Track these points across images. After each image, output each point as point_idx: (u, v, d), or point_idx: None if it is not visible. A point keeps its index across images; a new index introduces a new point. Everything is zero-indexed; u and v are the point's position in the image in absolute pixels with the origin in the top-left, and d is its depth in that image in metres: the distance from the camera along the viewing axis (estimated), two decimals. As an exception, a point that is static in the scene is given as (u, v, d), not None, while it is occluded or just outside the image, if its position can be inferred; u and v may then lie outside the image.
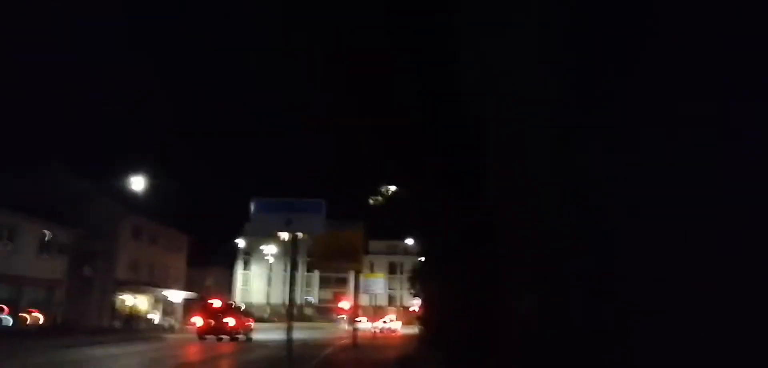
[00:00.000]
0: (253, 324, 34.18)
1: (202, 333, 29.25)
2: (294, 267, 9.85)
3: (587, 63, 2.48)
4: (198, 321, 30.85)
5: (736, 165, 1.97)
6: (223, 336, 29.05)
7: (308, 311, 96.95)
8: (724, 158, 1.97)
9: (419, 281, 29.09)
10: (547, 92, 2.80)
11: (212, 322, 29.43)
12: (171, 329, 51.29)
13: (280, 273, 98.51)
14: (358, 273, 27.32)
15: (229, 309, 32.40)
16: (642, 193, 2.24)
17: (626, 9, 2.35)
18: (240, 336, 30.23)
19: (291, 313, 9.70)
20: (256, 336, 32.44)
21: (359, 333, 25.63)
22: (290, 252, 10.00)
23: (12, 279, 34.08)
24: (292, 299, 9.79)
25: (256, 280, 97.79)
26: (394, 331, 54.17)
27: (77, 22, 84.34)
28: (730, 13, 2.04)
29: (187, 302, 59.54)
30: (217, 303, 31.98)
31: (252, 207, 9.61)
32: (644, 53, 2.24)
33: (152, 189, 38.30)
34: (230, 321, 29.75)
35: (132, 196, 37.75)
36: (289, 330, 9.59)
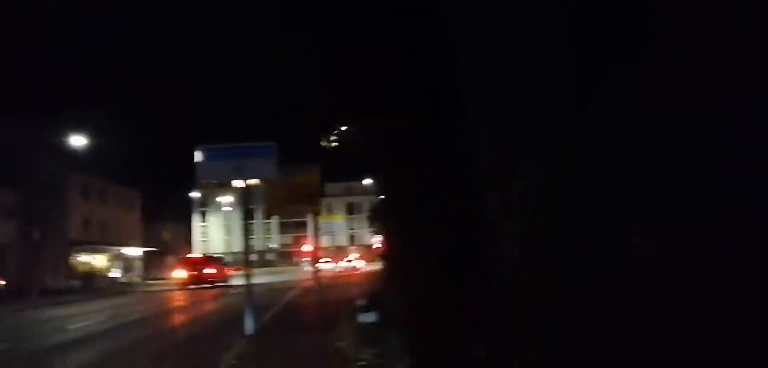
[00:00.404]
0: (231, 272, 36.94)
1: (187, 284, 32.63)
2: (248, 216, 9.71)
3: (586, 60, 2.48)
4: (182, 272, 34.46)
5: (736, 164, 2.00)
6: (205, 284, 32.53)
7: (270, 257, 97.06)
8: (724, 158, 2.00)
9: (379, 219, 29.35)
10: (546, 87, 2.78)
11: (195, 273, 33.26)
12: (131, 284, 50.71)
13: (239, 222, 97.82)
14: (316, 215, 27.37)
15: (209, 260, 36.69)
16: (640, 192, 2.25)
17: (626, 8, 2.34)
18: (219, 283, 33.32)
19: (247, 260, 9.63)
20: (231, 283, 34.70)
21: (323, 274, 25.89)
22: (243, 200, 9.86)
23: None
24: (247, 246, 9.68)
25: (214, 230, 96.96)
26: (357, 269, 54.99)
27: (77, 22, 79.93)
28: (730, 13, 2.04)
29: (147, 255, 58.78)
30: (197, 255, 38.00)
31: (198, 156, 9.33)
32: (644, 51, 2.23)
33: (98, 145, 37.23)
34: (211, 271, 33.90)
35: (77, 154, 36.60)
36: (247, 277, 9.54)
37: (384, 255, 31.06)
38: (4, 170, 36.17)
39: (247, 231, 9.71)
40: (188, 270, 34.15)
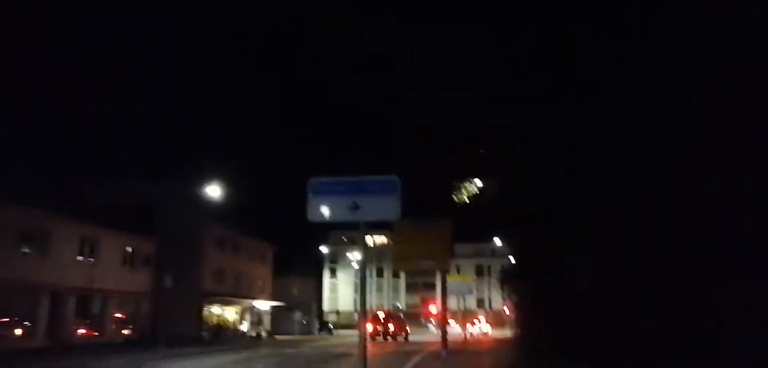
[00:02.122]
0: (408, 329, 45.62)
1: (372, 336, 41.03)
2: (363, 268, 7.62)
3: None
4: (368, 326, 40.95)
5: None
6: (387, 337, 41.50)
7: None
8: None
9: (511, 283, 26.46)
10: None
11: (378, 327, 42.45)
12: (259, 337, 50.86)
13: (368, 280, 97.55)
14: (444, 274, 24.85)
15: (390, 316, 46.80)
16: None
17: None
18: (399, 337, 41.99)
19: (364, 317, 7.46)
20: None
21: (449, 338, 23.22)
22: (361, 245, 7.72)
23: (97, 293, 34.04)
24: (364, 303, 7.50)
25: (343, 287, 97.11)
26: (485, 334, 51.86)
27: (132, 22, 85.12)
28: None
29: (275, 311, 59.07)
30: (381, 313, 48.15)
31: (309, 191, 7.44)
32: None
33: (230, 197, 37.65)
34: (391, 326, 42.84)
35: (211, 205, 37.24)
36: (362, 338, 7.38)
37: (517, 322, 27.69)
38: (143, 221, 37.55)
39: (364, 286, 7.50)
40: (374, 324, 42.93)
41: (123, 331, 36.86)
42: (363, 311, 7.59)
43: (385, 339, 41.51)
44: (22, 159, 33.67)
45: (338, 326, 75.93)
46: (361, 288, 7.75)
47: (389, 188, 7.35)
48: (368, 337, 37.94)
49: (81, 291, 32.68)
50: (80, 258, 33.11)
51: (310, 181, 7.48)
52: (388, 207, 7.30)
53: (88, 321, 33.86)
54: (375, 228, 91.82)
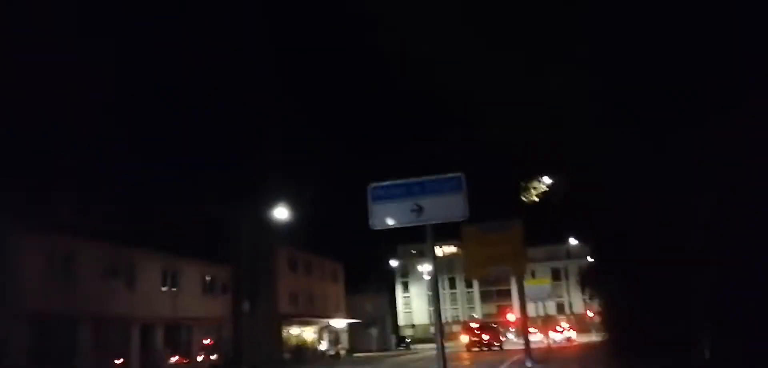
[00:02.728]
0: (502, 339, 48.25)
1: (469, 347, 43.95)
2: (435, 277, 7.33)
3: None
4: (465, 338, 47.41)
5: None
6: (483, 347, 43.13)
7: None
8: None
9: (593, 284, 25.33)
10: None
11: (475, 339, 44.68)
12: (338, 355, 51.18)
13: (441, 291, 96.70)
14: (520, 278, 24.05)
15: (484, 326, 49.10)
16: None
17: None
18: (495, 346, 43.24)
19: (440, 329, 7.15)
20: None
21: (532, 346, 22.28)
22: (430, 252, 7.43)
23: (180, 322, 35.14)
24: (437, 311, 7.22)
25: (417, 301, 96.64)
26: (570, 340, 50.13)
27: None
28: None
29: (351, 328, 59.29)
30: (475, 325, 51.17)
31: (369, 198, 7.22)
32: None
33: (298, 217, 38.14)
34: (485, 336, 44.61)
35: (281, 227, 37.81)
36: (440, 348, 7.09)
37: (604, 324, 26.37)
38: (216, 248, 38.58)
39: (437, 293, 7.21)
40: (469, 335, 45.96)
41: (211, 357, 37.86)
42: (438, 321, 7.30)
43: (481, 348, 43.04)
44: (96, 187, 34.75)
45: (415, 340, 75.47)
46: (434, 298, 7.48)
47: (454, 186, 7.05)
48: (465, 348, 44.41)
49: (167, 321, 33.85)
50: (164, 288, 34.34)
51: (369, 187, 7.28)
52: (454, 206, 7.01)
53: (176, 350, 34.95)
54: (442, 237, 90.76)
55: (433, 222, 7.06)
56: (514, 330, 52.75)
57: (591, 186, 15.01)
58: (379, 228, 7.25)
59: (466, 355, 38.16)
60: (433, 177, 7.14)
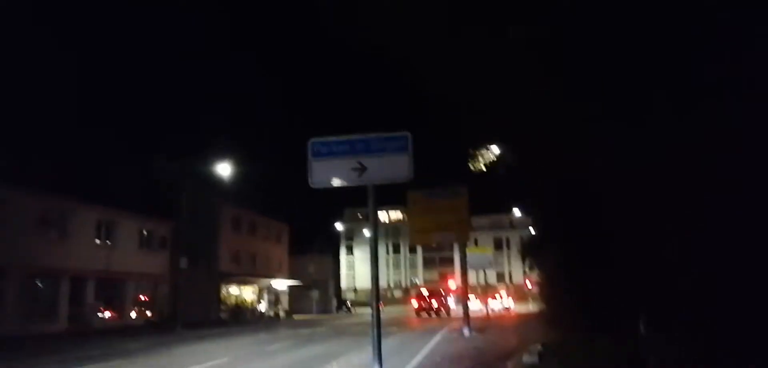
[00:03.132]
0: (452, 306, 47.22)
1: (418, 312, 44.39)
2: (375, 242, 6.97)
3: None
4: (415, 303, 47.17)
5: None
6: (431, 313, 43.47)
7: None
8: None
9: (534, 255, 25.64)
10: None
11: (423, 303, 44.93)
12: (277, 317, 50.87)
13: (383, 257, 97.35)
14: (463, 246, 24.12)
15: (433, 293, 47.45)
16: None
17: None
18: (442, 313, 43.49)
19: (377, 296, 6.82)
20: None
21: (471, 314, 22.32)
22: (371, 214, 7.03)
23: (114, 276, 33.93)
24: (375, 278, 6.87)
25: (360, 265, 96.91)
26: (508, 310, 50.83)
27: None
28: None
29: (292, 290, 58.93)
30: (424, 290, 50.16)
31: (309, 154, 6.77)
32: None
33: (244, 176, 37.27)
34: (434, 303, 44.56)
35: (226, 185, 36.89)
36: (375, 317, 6.76)
37: (541, 295, 26.84)
38: (157, 203, 37.30)
39: (376, 261, 6.83)
40: (419, 301, 46.05)
41: (146, 313, 36.83)
42: (375, 287, 6.97)
43: (429, 315, 42.99)
44: (36, 142, 33.17)
45: (356, 304, 75.79)
46: (373, 262, 7.11)
47: (399, 146, 6.69)
48: (414, 313, 44.77)
49: (100, 274, 32.59)
50: (98, 241, 32.99)
51: (310, 142, 6.83)
52: (399, 167, 6.65)
53: (109, 305, 33.80)
54: (388, 202, 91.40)
55: (376, 182, 6.70)
56: (454, 297, 53.10)
57: (538, 159, 14.92)
58: (318, 187, 6.84)
59: (413, 320, 38.53)
60: (378, 134, 6.75)
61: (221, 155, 33.11)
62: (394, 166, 6.66)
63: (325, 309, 64.05)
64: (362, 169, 6.63)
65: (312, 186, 6.80)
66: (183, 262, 33.44)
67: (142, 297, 37.20)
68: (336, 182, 6.84)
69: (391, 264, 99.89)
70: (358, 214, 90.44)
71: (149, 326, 33.75)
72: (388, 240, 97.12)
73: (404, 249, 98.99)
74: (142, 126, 73.81)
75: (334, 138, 6.85)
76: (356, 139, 6.75)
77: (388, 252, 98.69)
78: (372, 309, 6.93)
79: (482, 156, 23.16)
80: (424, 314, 43.53)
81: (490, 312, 38.38)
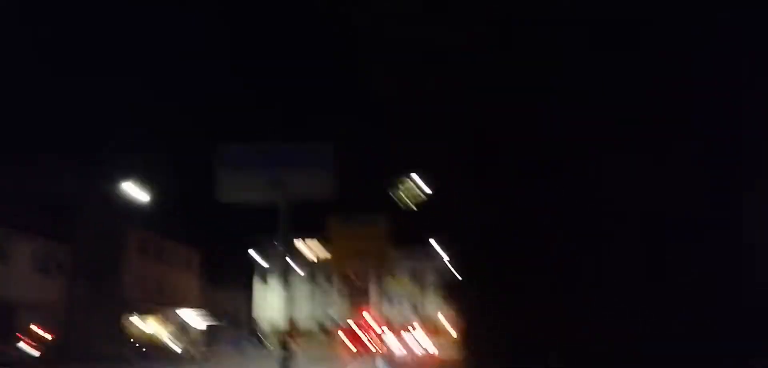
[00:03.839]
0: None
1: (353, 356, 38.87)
2: (285, 269, 6.29)
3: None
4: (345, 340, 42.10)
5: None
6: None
7: (330, 326, 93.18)
8: None
9: (453, 293, 25.45)
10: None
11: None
12: (193, 359, 46.34)
13: (304, 289, 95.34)
14: (382, 277, 23.63)
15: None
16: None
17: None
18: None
19: (288, 330, 6.11)
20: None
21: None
22: (281, 235, 6.28)
23: (4, 304, 30.90)
24: (289, 313, 6.14)
25: (277, 298, 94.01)
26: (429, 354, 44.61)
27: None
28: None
29: (210, 329, 55.47)
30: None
31: (217, 164, 6.00)
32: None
33: (154, 197, 35.31)
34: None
35: (133, 205, 34.77)
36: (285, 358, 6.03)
37: (460, 330, 26.68)
38: (55, 221, 34.58)
39: (289, 290, 6.14)
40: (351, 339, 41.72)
41: (36, 344, 33.63)
42: (287, 322, 6.26)
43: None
44: None
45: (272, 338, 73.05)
46: (284, 293, 6.37)
47: (320, 160, 6.05)
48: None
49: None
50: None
51: (218, 151, 6.06)
52: (319, 183, 6.01)
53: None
54: (306, 231, 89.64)
55: (294, 198, 6.03)
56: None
57: (464, 193, 14.81)
58: (227, 201, 6.09)
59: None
60: (298, 145, 6.10)
61: (128, 173, 31.21)
62: (314, 182, 6.02)
63: (240, 343, 60.76)
64: (279, 182, 5.93)
65: (220, 200, 6.03)
66: (80, 288, 31.02)
67: (35, 328, 33.96)
68: (248, 197, 6.12)
69: (308, 298, 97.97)
70: (275, 243, 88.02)
71: (38, 360, 30.83)
72: (312, 272, 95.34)
73: (320, 282, 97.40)
74: (41, 139, 68.75)
75: (247, 145, 6.12)
76: (272, 149, 6.05)
77: (305, 284, 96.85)
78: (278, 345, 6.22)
79: (410, 191, 22.89)
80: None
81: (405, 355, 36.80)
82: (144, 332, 45.38)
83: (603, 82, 7.00)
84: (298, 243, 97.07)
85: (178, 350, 47.81)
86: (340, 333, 47.67)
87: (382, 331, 23.16)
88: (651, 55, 6.46)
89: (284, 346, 6.18)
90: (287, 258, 6.55)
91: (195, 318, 53.83)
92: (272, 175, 5.94)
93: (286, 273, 6.43)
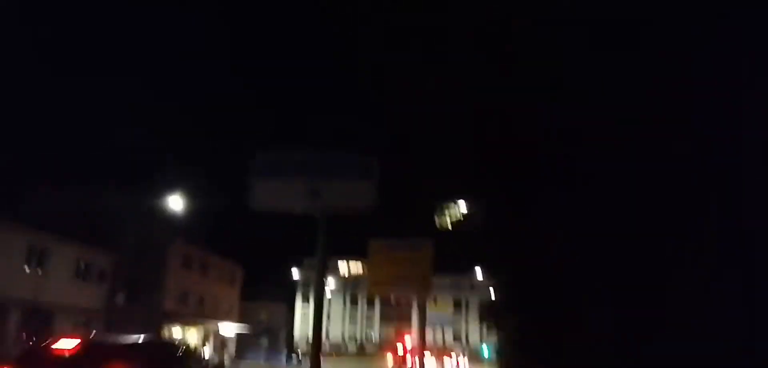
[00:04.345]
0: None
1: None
2: (321, 275, 5.63)
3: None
4: (389, 358, 46.00)
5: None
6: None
7: (369, 348, 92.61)
8: None
9: (495, 317, 24.77)
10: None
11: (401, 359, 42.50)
12: (221, 365, 47.44)
13: (339, 309, 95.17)
14: (424, 303, 22.69)
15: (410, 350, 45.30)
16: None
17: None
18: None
19: (318, 344, 5.45)
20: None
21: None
22: (320, 247, 5.58)
23: (42, 308, 31.19)
24: (318, 327, 5.46)
25: (312, 315, 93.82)
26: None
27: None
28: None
29: (241, 336, 56.02)
30: (401, 344, 46.74)
31: (253, 172, 5.40)
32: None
33: (199, 213, 35.33)
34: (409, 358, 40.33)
35: (178, 220, 34.85)
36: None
37: (499, 358, 25.79)
38: (100, 232, 34.92)
39: (320, 306, 5.43)
40: (393, 354, 45.04)
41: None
42: (317, 336, 5.59)
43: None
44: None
45: (308, 354, 72.70)
46: (316, 308, 5.67)
47: (363, 171, 5.35)
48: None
49: (27, 304, 29.87)
50: (27, 268, 30.37)
51: (254, 158, 5.45)
52: (361, 193, 5.31)
53: (33, 338, 30.96)
54: (347, 252, 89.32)
55: (333, 210, 5.34)
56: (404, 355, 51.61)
57: (509, 220, 14.08)
58: (261, 209, 5.44)
59: None
60: (339, 154, 5.42)
61: (174, 187, 31.24)
62: (356, 193, 5.32)
63: (274, 358, 61.03)
64: (317, 193, 5.26)
65: (254, 209, 5.40)
66: (119, 298, 31.08)
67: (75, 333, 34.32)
68: (284, 206, 5.47)
69: (348, 317, 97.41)
70: (325, 271, 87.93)
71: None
72: (346, 292, 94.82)
73: (362, 303, 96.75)
74: (88, 149, 70.72)
75: (283, 153, 5.48)
76: (311, 157, 5.39)
77: (345, 304, 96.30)
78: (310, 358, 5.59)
79: (450, 212, 21.99)
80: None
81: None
82: (182, 341, 45.62)
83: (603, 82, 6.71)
84: (341, 264, 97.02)
85: (213, 359, 48.33)
86: (380, 354, 48.82)
87: (423, 356, 22.23)
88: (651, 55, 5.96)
89: (313, 362, 5.59)
90: (324, 275, 5.85)
91: (231, 331, 53.90)
92: (310, 183, 5.28)
93: (320, 289, 5.73)
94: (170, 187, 31.19)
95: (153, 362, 10.75)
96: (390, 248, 18.00)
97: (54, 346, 10.82)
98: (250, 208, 5.41)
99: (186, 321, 45.97)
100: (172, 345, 13.84)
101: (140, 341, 11.81)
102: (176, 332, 45.27)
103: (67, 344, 10.80)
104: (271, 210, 5.60)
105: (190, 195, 31.45)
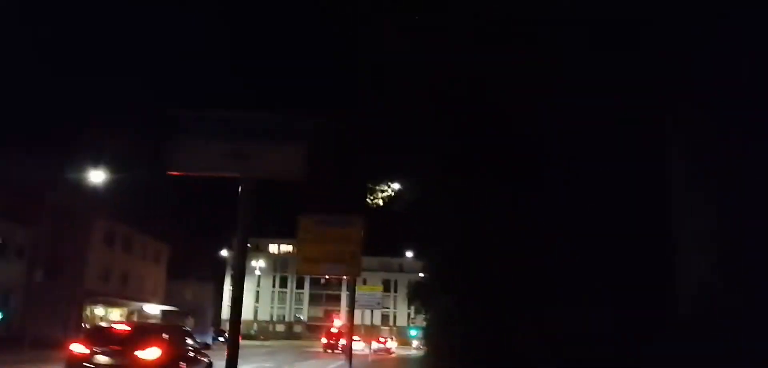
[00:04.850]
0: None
1: (325, 348, 46.41)
2: (242, 246, 5.45)
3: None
4: (323, 339, 49.23)
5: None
6: (336, 349, 44.08)
7: (298, 329, 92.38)
8: None
9: (424, 298, 25.14)
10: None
11: (331, 340, 46.98)
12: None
13: (269, 289, 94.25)
14: (353, 282, 22.65)
15: (339, 332, 48.85)
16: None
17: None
18: (337, 350, 43.98)
19: (236, 323, 5.23)
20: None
21: (355, 355, 21.09)
22: (240, 220, 5.35)
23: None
24: (237, 308, 5.22)
25: (245, 296, 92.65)
26: (390, 351, 51.99)
27: None
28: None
29: (165, 315, 54.48)
30: (334, 328, 52.03)
31: (170, 130, 5.06)
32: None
33: (123, 188, 33.96)
34: (342, 341, 42.42)
35: (101, 195, 33.34)
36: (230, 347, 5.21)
37: (428, 339, 26.28)
38: (17, 205, 32.96)
39: (241, 284, 5.20)
40: (327, 337, 48.49)
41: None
42: (236, 315, 5.34)
43: (333, 350, 44.73)
44: None
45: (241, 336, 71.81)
46: (236, 286, 5.41)
47: (295, 133, 5.13)
48: (322, 348, 46.44)
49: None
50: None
51: (170, 114, 5.11)
52: (291, 160, 5.09)
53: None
54: (278, 234, 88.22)
55: (258, 175, 5.13)
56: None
57: (438, 201, 14.26)
58: (176, 172, 5.13)
59: (321, 353, 43.12)
60: (268, 115, 5.19)
61: (97, 160, 29.80)
62: (286, 159, 5.10)
63: (201, 338, 59.68)
64: (241, 156, 5.03)
65: (168, 171, 5.07)
66: (38, 275, 29.55)
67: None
68: (203, 168, 5.21)
69: (277, 298, 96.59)
70: (248, 244, 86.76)
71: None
72: (275, 273, 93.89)
73: (291, 283, 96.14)
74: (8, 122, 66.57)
75: (205, 111, 5.20)
76: (236, 116, 5.14)
77: (274, 286, 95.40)
78: (229, 337, 5.40)
79: (381, 190, 21.95)
80: (328, 350, 45.71)
81: (371, 352, 39.29)
82: (104, 320, 44.03)
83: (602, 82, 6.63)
84: (272, 246, 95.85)
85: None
86: (309, 335, 49.42)
87: (351, 337, 22.24)
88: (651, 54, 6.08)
89: (231, 339, 5.33)
90: (245, 246, 5.66)
91: (156, 310, 52.35)
92: (235, 144, 5.03)
93: (241, 261, 5.54)
94: (94, 159, 29.83)
95: (174, 339, 14.09)
96: (320, 224, 17.82)
97: (114, 326, 16.26)
98: (165, 172, 5.09)
99: (109, 300, 44.28)
100: (183, 328, 18.53)
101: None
102: (98, 312, 43.59)
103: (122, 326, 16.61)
104: (190, 173, 5.30)
105: (115, 168, 30.18)
